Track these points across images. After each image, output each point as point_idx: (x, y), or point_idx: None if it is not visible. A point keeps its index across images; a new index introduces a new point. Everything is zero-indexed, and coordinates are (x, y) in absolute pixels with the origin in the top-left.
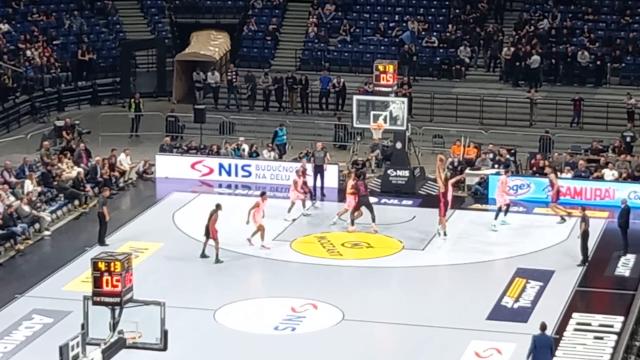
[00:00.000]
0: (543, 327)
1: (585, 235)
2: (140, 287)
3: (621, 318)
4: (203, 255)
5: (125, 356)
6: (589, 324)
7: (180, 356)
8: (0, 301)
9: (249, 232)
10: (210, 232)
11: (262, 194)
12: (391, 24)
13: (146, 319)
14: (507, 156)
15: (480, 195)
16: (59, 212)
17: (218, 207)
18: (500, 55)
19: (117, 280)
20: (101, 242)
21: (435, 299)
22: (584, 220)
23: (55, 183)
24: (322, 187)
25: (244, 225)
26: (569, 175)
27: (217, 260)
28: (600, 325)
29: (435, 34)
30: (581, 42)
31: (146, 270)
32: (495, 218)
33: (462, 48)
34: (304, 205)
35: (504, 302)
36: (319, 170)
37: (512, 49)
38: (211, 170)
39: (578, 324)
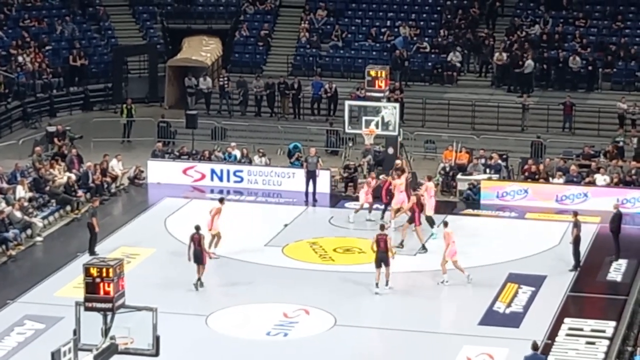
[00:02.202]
0: (535, 346)
1: (577, 240)
2: (132, 292)
3: (613, 323)
4: (201, 285)
5: None
6: (581, 329)
7: None
8: None
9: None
10: (203, 257)
11: (221, 200)
12: (383, 30)
13: (138, 324)
14: (499, 161)
15: (471, 201)
16: (51, 218)
17: (198, 228)
18: (492, 60)
19: (109, 286)
20: (91, 252)
21: (427, 304)
22: (576, 225)
23: (47, 189)
24: (314, 193)
25: (236, 231)
26: (561, 180)
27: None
28: (592, 330)
29: (427, 39)
30: (573, 47)
31: (138, 275)
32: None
33: (453, 53)
34: (370, 211)
35: (496, 307)
36: (311, 175)
37: (505, 54)
38: (203, 176)
39: (570, 329)
